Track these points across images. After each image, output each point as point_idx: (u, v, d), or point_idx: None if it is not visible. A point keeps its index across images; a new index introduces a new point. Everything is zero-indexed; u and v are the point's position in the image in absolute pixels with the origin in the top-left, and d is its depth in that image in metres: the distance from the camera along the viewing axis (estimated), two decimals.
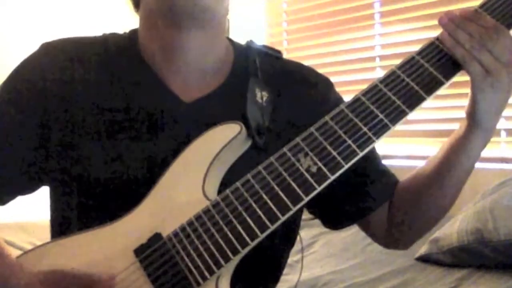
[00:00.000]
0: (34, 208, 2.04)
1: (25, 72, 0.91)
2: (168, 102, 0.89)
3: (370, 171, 0.97)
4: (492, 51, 0.78)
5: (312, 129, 0.79)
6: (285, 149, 0.79)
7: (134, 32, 0.95)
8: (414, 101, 0.79)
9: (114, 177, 0.85)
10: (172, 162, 0.83)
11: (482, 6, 0.83)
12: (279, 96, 0.93)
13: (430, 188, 0.91)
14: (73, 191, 0.87)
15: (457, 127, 0.89)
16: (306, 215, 1.00)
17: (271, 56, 0.98)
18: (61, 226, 0.90)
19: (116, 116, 0.87)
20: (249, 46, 0.97)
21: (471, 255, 1.83)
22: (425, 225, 0.97)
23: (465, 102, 0.85)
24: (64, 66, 0.90)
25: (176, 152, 0.84)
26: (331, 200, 0.93)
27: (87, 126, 0.87)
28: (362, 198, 0.97)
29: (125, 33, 0.96)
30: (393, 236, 1.00)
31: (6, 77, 0.92)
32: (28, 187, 0.92)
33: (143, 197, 0.82)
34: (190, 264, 0.76)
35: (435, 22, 2.73)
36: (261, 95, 0.90)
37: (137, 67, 0.91)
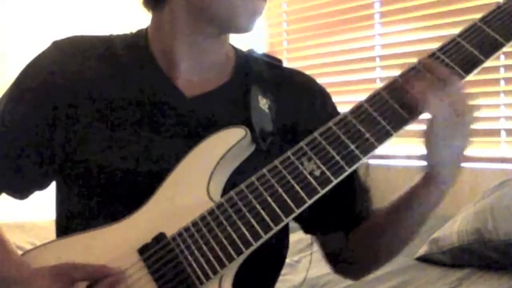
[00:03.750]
0: (34, 208, 2.04)
1: (35, 68, 0.93)
2: (173, 97, 0.91)
3: (356, 190, 0.98)
4: (445, 101, 0.78)
5: (316, 134, 0.81)
6: (289, 153, 0.80)
7: (141, 31, 0.97)
8: (415, 109, 0.80)
9: (118, 169, 0.87)
10: (177, 163, 0.84)
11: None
12: (281, 103, 0.95)
13: (386, 226, 0.92)
14: (79, 184, 0.88)
15: None
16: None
17: (271, 64, 1.00)
18: (67, 222, 0.91)
19: (121, 110, 0.89)
20: (250, 55, 0.99)
21: (471, 255, 1.83)
22: (372, 262, 0.98)
23: None
24: (73, 62, 0.92)
25: (178, 145, 0.86)
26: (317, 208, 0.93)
27: (93, 120, 0.89)
28: (349, 213, 0.97)
29: (131, 32, 0.98)
30: (346, 261, 1.00)
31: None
32: (42, 182, 0.94)
33: (146, 190, 0.83)
34: (193, 264, 0.76)
35: (435, 22, 2.76)
36: (264, 102, 0.92)
37: (144, 63, 0.93)
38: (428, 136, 0.80)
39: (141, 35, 0.96)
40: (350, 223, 0.97)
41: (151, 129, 0.89)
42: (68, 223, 0.90)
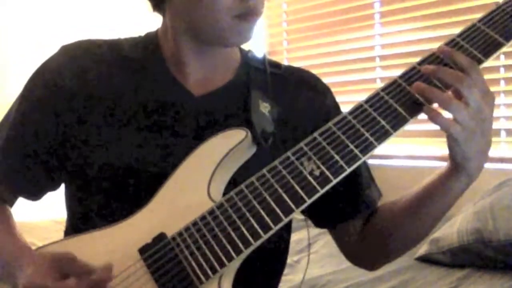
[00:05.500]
0: (34, 208, 2.04)
1: (45, 72, 0.95)
2: (182, 96, 0.93)
3: (362, 181, 0.99)
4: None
5: (315, 134, 0.81)
6: (289, 153, 0.81)
7: (151, 33, 0.99)
8: (414, 108, 0.81)
9: (132, 169, 0.88)
10: (178, 164, 0.85)
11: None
12: (281, 104, 0.96)
13: (405, 218, 0.92)
14: (91, 184, 0.90)
15: None
16: (300, 215, 1.00)
17: (270, 69, 1.00)
18: (77, 220, 0.94)
19: (132, 111, 0.91)
20: (250, 58, 1.00)
21: (471, 255, 1.83)
22: (393, 251, 0.98)
23: None
24: (82, 65, 0.94)
25: (190, 143, 0.87)
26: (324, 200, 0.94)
27: (104, 121, 0.91)
28: (354, 201, 0.98)
29: (139, 36, 1.00)
30: (361, 253, 1.01)
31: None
32: (55, 183, 0.97)
33: (154, 188, 0.84)
34: (193, 263, 0.77)
35: (435, 22, 2.76)
36: (264, 106, 0.93)
37: (153, 64, 0.95)
38: (450, 129, 0.80)
39: (151, 37, 0.98)
40: (356, 212, 0.98)
41: (162, 129, 0.91)
42: (79, 222, 0.92)
